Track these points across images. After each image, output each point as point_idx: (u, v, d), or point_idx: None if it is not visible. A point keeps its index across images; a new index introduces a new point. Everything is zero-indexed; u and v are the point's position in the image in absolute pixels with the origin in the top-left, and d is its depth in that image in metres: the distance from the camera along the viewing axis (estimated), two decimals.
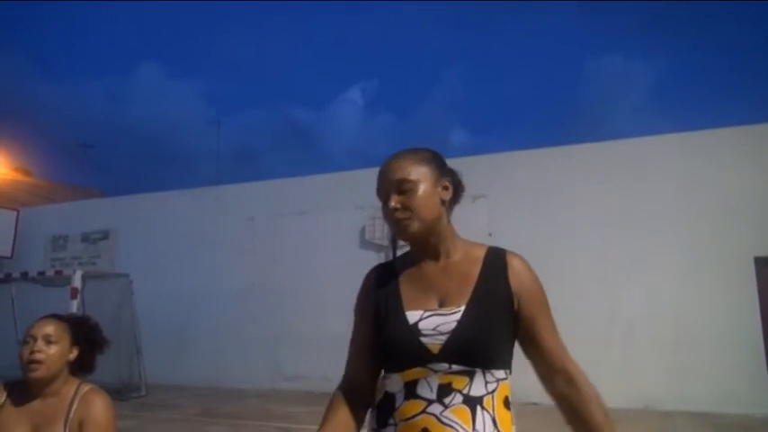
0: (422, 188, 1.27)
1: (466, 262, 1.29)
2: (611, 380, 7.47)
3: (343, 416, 1.27)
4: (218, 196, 11.20)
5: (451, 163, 1.37)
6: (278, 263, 10.09)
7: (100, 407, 1.84)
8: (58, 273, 9.68)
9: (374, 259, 9.31)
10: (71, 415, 1.81)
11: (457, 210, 1.37)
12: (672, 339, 7.48)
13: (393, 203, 1.27)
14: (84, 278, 8.99)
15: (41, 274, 9.90)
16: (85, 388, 1.88)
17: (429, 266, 1.31)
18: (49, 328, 1.85)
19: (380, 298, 1.32)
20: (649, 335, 7.60)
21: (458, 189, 1.35)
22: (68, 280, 9.23)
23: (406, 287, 1.30)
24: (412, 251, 1.35)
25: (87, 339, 1.96)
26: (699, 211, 7.76)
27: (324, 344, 9.22)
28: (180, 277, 10.63)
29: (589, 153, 8.65)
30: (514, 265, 1.28)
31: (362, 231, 9.49)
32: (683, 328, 7.50)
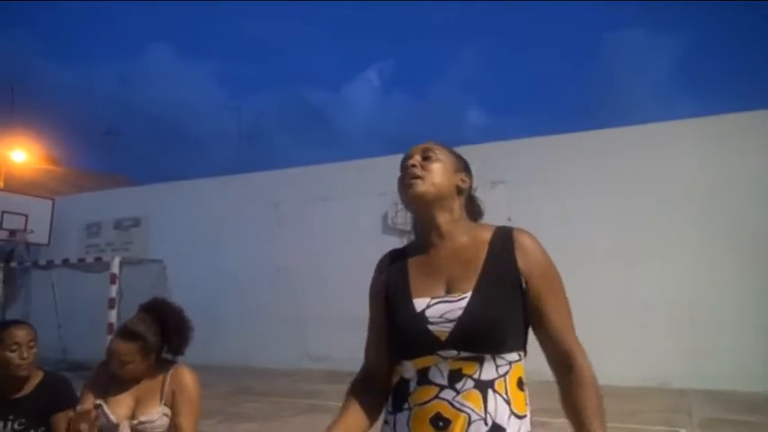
0: (443, 163, 1.32)
1: (473, 245, 1.28)
2: (627, 359, 7.73)
3: (354, 414, 1.30)
4: (244, 183, 11.54)
5: (471, 149, 1.51)
6: (303, 248, 10.41)
7: (188, 379, 2.21)
8: (98, 259, 10.15)
9: (397, 244, 9.49)
10: (165, 388, 2.18)
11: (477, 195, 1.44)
12: (687, 320, 7.68)
13: (413, 160, 1.31)
14: (120, 264, 9.44)
15: (81, 260, 10.39)
16: (176, 366, 2.24)
17: (436, 252, 1.30)
18: (124, 348, 2.13)
19: (391, 285, 1.33)
20: (665, 315, 7.81)
21: (473, 198, 1.42)
22: (105, 266, 9.70)
23: (414, 274, 1.31)
24: (421, 235, 1.36)
25: (167, 339, 2.24)
26: (714, 195, 7.90)
27: (348, 326, 9.52)
28: (209, 262, 11.03)
29: (606, 138, 8.80)
30: (522, 242, 1.26)
31: (385, 217, 9.78)
32: (698, 308, 7.69)
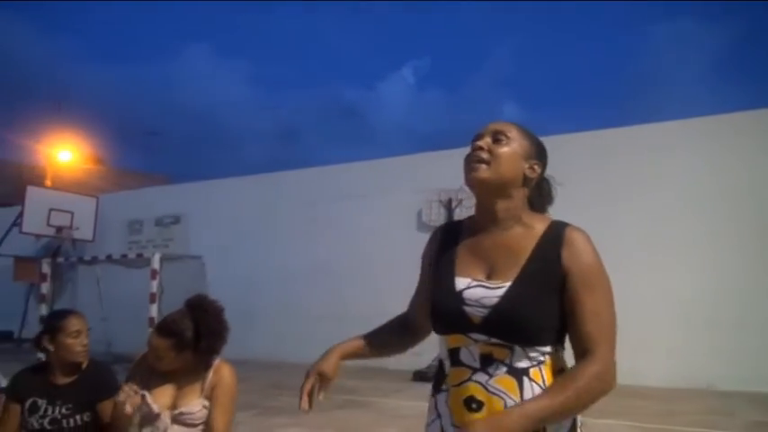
0: (512, 147, 1.27)
1: (524, 236, 1.26)
2: (668, 360, 7.55)
3: (387, 331, 1.55)
4: (280, 181, 11.70)
5: None
6: (337, 246, 10.50)
7: (228, 375, 2.28)
8: (139, 255, 10.43)
9: None
10: (206, 382, 2.25)
11: None
12: (730, 320, 7.45)
13: (481, 142, 1.28)
14: (161, 260, 9.69)
15: (124, 256, 10.70)
16: (218, 361, 2.30)
17: (487, 236, 1.30)
18: (159, 343, 2.20)
19: (439, 256, 1.37)
20: (707, 315, 7.59)
21: (542, 188, 1.36)
22: (147, 262, 9.97)
23: (462, 252, 1.32)
24: (476, 216, 1.35)
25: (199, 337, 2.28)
26: (762, 193, 7.66)
27: (381, 322, 9.61)
28: (246, 259, 11.23)
29: (643, 134, 8.62)
30: (571, 240, 1.22)
31: (419, 214, 9.78)
32: (741, 308, 7.46)
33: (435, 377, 1.34)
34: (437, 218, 9.48)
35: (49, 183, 17.54)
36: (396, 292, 10.99)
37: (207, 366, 2.29)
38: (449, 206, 9.36)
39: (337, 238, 10.55)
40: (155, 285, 9.40)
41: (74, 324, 2.40)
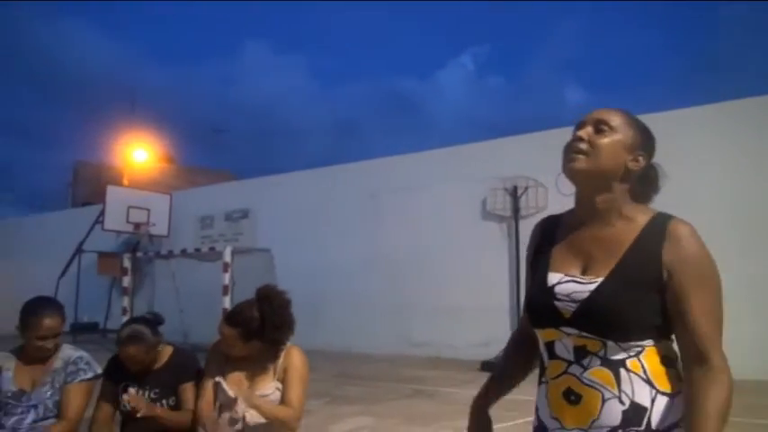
0: (614, 138, 1.22)
1: (625, 230, 1.21)
2: (752, 350, 7.13)
3: (510, 363, 1.46)
4: (341, 174, 11.82)
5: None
6: (401, 237, 10.51)
7: (297, 357, 2.40)
8: (212, 249, 10.85)
9: (496, 230, 9.46)
10: (278, 366, 2.37)
11: None
12: None
13: (582, 133, 1.24)
14: (232, 253, 10.03)
15: (197, 250, 11.16)
16: (288, 345, 2.41)
17: (586, 230, 1.26)
18: (227, 332, 2.35)
19: (537, 252, 1.36)
20: None
21: (648, 177, 1.29)
22: (218, 255, 10.36)
23: (559, 247, 1.30)
24: (576, 209, 1.31)
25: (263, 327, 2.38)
26: None
27: (447, 313, 9.59)
28: (311, 251, 11.43)
29: (717, 113, 8.14)
30: (675, 234, 1.16)
31: (484, 203, 9.66)
32: None
33: (539, 370, 1.34)
34: (502, 206, 9.32)
35: (126, 182, 18.51)
36: (460, 282, 10.96)
37: (277, 351, 2.37)
38: (514, 194, 9.19)
39: (400, 230, 10.57)
40: (227, 278, 9.76)
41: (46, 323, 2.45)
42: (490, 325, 8.70)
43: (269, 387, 2.33)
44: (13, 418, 2.41)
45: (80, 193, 23.09)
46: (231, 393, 2.29)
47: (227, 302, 9.70)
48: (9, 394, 2.43)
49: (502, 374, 1.47)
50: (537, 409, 1.31)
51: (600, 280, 1.17)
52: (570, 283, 1.21)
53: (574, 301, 1.18)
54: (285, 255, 11.37)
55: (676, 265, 1.14)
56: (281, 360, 2.37)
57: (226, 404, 2.31)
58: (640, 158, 1.24)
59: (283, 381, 2.34)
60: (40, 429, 2.43)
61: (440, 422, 5.35)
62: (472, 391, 1.52)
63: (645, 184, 1.29)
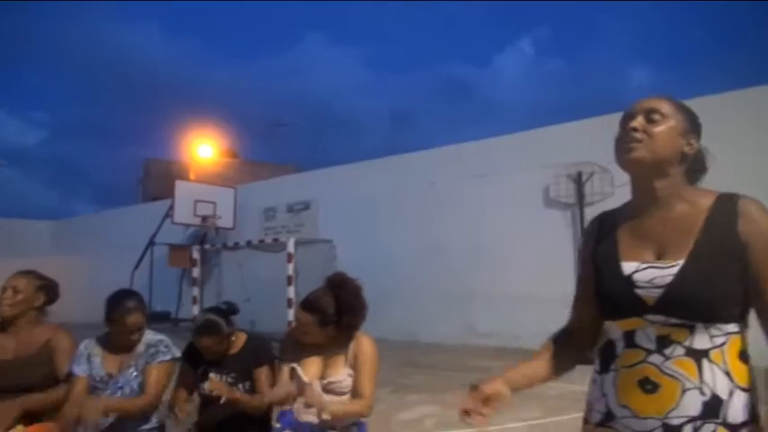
0: (669, 124, 1.24)
1: (690, 212, 1.22)
2: None
3: (538, 363, 1.40)
4: (400, 164, 11.82)
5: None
6: (462, 225, 10.43)
7: (368, 344, 2.45)
8: (275, 240, 11.13)
9: (560, 218, 9.24)
10: (350, 353, 2.42)
11: None
12: None
13: (636, 123, 1.25)
14: (295, 244, 10.25)
15: (261, 241, 11.48)
16: (359, 333, 2.47)
17: (649, 216, 1.26)
18: (304, 318, 2.41)
19: (599, 247, 1.34)
20: None
21: (697, 159, 1.30)
22: (282, 246, 10.61)
23: (623, 237, 1.30)
24: (634, 198, 1.32)
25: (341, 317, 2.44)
26: None
27: (512, 302, 9.44)
28: (373, 241, 11.51)
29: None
30: (747, 210, 1.18)
31: (546, 190, 9.44)
32: None
33: (603, 356, 1.31)
34: (566, 193, 9.08)
35: (192, 176, 19.19)
36: (523, 271, 10.77)
37: (349, 338, 2.41)
38: (578, 180, 8.92)
39: (462, 219, 10.48)
40: (291, 268, 9.99)
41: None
42: (554, 315, 8.47)
43: (342, 374, 2.38)
44: None
45: (150, 189, 24.13)
46: (306, 379, 2.35)
47: (291, 292, 9.93)
48: (98, 378, 2.58)
49: (540, 361, 1.42)
50: (600, 398, 1.28)
51: (681, 262, 1.17)
52: (649, 270, 1.20)
53: (657, 286, 1.17)
54: (347, 245, 11.51)
55: (753, 240, 1.16)
56: (351, 347, 2.42)
57: (300, 389, 2.38)
58: (694, 142, 1.27)
59: (354, 367, 2.39)
60: None
61: (504, 411, 5.29)
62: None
63: (695, 166, 1.30)
